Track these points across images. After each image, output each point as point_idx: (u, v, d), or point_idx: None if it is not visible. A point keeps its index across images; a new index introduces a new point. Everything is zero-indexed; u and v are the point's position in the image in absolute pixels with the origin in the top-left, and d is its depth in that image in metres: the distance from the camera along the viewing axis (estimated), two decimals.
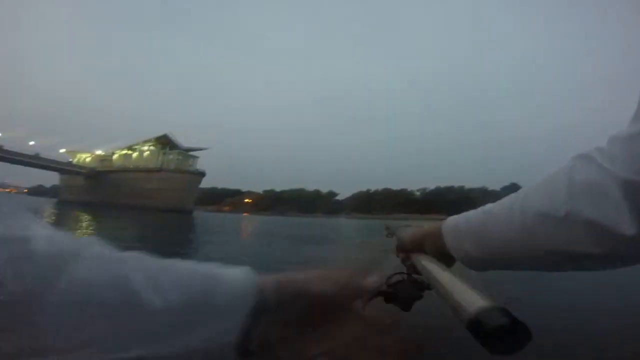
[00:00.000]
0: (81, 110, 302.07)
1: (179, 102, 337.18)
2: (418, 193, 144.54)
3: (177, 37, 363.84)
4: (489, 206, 0.59)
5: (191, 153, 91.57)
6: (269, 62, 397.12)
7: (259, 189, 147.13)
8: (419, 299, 0.78)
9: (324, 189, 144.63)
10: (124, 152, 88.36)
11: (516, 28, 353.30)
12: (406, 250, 0.78)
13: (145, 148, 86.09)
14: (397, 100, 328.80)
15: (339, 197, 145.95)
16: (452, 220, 0.67)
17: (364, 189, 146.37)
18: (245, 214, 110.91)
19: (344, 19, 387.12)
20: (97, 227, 27.51)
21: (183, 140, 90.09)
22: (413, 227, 0.81)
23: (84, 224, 29.09)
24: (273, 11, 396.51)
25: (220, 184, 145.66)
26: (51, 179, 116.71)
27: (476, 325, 0.37)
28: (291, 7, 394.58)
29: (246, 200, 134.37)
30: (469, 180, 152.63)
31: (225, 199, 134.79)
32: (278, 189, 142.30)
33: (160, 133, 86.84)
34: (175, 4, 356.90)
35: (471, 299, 0.40)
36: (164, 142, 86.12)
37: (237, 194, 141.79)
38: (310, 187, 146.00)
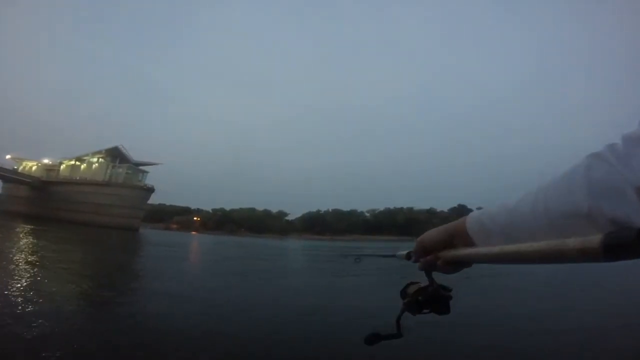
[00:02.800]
0: (29, 116, 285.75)
1: (131, 116, 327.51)
2: (368, 214, 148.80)
3: (133, 51, 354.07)
4: (509, 203, 0.63)
5: (141, 167, 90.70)
6: (224, 80, 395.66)
7: (208, 207, 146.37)
8: (451, 298, 0.88)
9: (274, 209, 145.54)
10: (72, 162, 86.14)
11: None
12: (433, 249, 0.83)
13: (95, 160, 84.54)
14: (346, 123, 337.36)
15: (289, 218, 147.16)
16: (475, 217, 0.73)
17: (314, 209, 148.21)
18: (193, 233, 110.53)
19: (298, 41, 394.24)
20: (39, 242, 28.09)
21: (133, 154, 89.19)
22: (432, 229, 0.85)
23: (25, 239, 29.63)
24: (236, 30, 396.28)
25: (169, 201, 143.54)
26: None
27: (613, 247, 0.38)
28: (253, 28, 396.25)
29: (195, 219, 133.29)
30: (417, 202, 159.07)
31: (173, 216, 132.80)
32: (227, 207, 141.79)
33: (111, 145, 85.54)
34: (131, 19, 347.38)
35: (573, 241, 0.42)
36: (114, 155, 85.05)
37: (186, 212, 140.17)
38: (261, 206, 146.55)
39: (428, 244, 0.85)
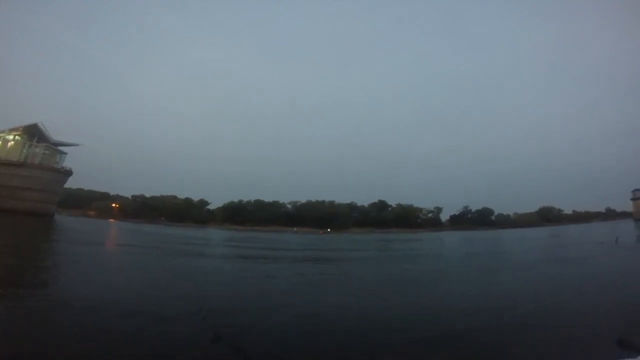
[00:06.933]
0: None
1: (51, 92, 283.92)
2: (290, 206, 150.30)
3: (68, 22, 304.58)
4: None
5: (60, 148, 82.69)
6: (163, 66, 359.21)
7: (128, 193, 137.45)
8: None
9: (196, 197, 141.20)
10: None
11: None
12: None
13: (11, 137, 75.09)
14: (270, 115, 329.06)
15: (210, 207, 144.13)
16: None
17: (237, 199, 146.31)
18: (111, 220, 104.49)
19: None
20: None
21: (52, 133, 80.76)
22: None
23: None
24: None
25: (87, 186, 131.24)
26: None
27: None
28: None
29: (113, 205, 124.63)
30: (339, 196, 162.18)
31: (91, 202, 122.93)
32: (149, 194, 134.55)
33: (30, 122, 76.61)
34: None
35: None
36: (32, 133, 76.25)
37: (104, 197, 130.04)
38: (183, 194, 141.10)
39: None
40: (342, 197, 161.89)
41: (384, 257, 33.66)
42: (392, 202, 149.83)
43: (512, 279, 18.18)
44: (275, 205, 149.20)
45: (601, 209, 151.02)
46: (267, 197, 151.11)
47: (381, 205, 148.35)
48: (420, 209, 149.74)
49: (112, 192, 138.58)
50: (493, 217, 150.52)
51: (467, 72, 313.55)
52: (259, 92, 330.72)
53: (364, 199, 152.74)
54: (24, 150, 75.07)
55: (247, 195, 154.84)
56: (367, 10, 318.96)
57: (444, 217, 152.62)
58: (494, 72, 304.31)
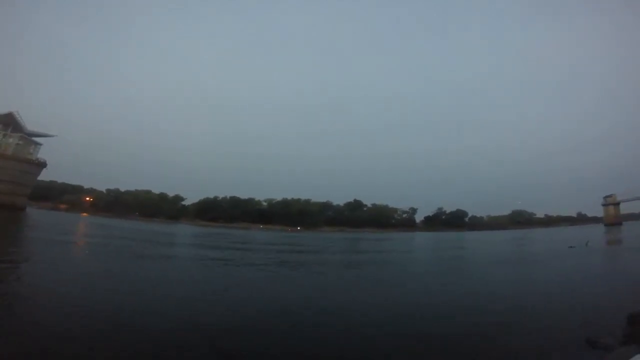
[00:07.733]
0: None
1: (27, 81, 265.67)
2: (265, 203, 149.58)
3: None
4: None
5: (34, 139, 79.71)
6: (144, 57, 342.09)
7: (103, 187, 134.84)
8: None
9: (172, 193, 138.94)
10: None
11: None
12: None
13: None
14: (245, 113, 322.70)
15: (186, 202, 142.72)
16: None
17: (212, 195, 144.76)
18: (83, 214, 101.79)
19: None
20: None
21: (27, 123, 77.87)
22: None
23: None
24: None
25: (60, 178, 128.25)
26: None
27: None
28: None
29: (86, 199, 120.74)
30: (315, 195, 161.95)
31: (64, 195, 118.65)
32: (124, 188, 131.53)
33: (4, 111, 73.62)
34: None
35: None
36: (7, 122, 73.49)
37: (78, 190, 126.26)
38: (158, 189, 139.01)
39: None
40: (321, 195, 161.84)
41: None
42: (370, 202, 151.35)
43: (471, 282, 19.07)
44: (250, 202, 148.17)
45: (573, 213, 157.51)
46: (243, 194, 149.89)
47: (356, 205, 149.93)
48: (395, 210, 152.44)
49: (86, 185, 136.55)
50: (466, 219, 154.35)
51: (462, 75, 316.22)
52: (252, 90, 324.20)
53: (343, 198, 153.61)
54: None
55: (228, 192, 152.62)
56: (367, 10, 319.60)
57: (419, 217, 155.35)
58: (485, 74, 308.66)
